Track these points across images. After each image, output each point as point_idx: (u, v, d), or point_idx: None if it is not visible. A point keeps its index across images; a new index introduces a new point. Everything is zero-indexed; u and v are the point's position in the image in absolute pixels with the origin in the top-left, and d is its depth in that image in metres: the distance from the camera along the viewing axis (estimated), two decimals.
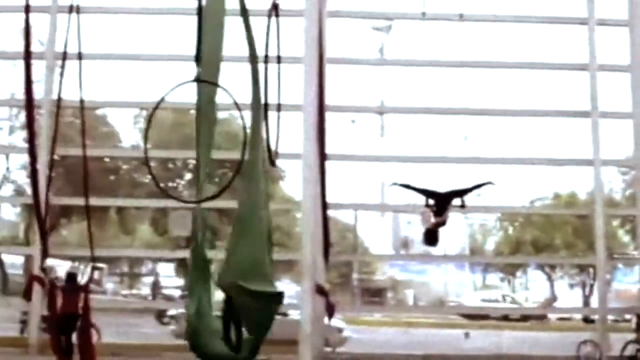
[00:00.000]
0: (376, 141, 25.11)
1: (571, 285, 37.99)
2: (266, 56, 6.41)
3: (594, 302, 19.00)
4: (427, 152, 15.87)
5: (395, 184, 10.26)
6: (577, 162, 15.93)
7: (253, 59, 6.26)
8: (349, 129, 25.94)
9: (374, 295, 41.72)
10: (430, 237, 10.32)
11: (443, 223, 10.14)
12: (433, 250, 13.02)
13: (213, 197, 6.11)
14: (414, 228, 34.66)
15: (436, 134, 20.40)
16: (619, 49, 14.84)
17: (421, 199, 9.86)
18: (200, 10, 6.28)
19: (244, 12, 6.24)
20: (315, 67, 13.76)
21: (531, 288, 40.84)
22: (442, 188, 10.36)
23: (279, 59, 6.69)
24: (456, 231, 33.56)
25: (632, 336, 13.58)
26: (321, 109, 13.84)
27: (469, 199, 10.48)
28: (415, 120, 20.57)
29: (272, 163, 6.66)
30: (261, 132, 6.19)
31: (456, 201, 10.25)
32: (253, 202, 5.96)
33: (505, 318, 31.26)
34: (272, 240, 6.10)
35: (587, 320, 22.81)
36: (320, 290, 13.11)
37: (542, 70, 16.28)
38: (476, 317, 29.65)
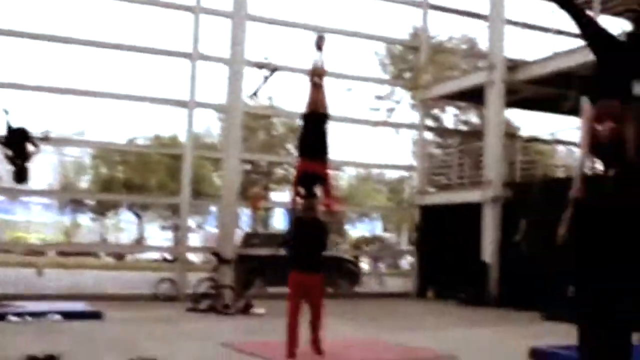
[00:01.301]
0: None
1: (163, 227, 38.83)
2: None
3: None
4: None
5: None
6: (173, 102, 16.05)
7: None
8: None
9: None
10: (20, 175, 10.42)
11: (26, 158, 10.39)
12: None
13: None
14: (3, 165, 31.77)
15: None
16: None
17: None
18: None
19: None
20: None
21: (123, 229, 40.84)
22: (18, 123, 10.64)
23: None
24: (46, 168, 31.62)
25: (207, 275, 13.90)
26: None
27: (62, 132, 10.46)
28: None
29: None
30: None
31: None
32: None
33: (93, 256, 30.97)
34: None
35: (169, 260, 23.33)
36: None
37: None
38: (68, 255, 28.71)
